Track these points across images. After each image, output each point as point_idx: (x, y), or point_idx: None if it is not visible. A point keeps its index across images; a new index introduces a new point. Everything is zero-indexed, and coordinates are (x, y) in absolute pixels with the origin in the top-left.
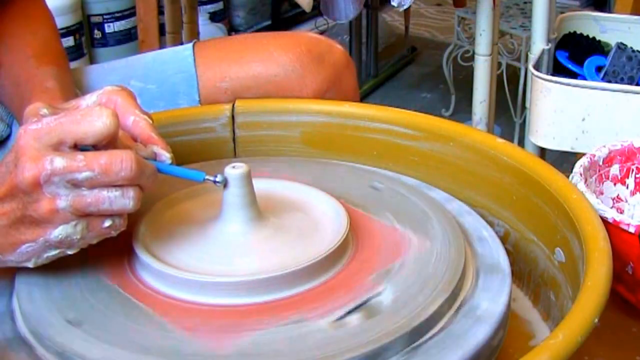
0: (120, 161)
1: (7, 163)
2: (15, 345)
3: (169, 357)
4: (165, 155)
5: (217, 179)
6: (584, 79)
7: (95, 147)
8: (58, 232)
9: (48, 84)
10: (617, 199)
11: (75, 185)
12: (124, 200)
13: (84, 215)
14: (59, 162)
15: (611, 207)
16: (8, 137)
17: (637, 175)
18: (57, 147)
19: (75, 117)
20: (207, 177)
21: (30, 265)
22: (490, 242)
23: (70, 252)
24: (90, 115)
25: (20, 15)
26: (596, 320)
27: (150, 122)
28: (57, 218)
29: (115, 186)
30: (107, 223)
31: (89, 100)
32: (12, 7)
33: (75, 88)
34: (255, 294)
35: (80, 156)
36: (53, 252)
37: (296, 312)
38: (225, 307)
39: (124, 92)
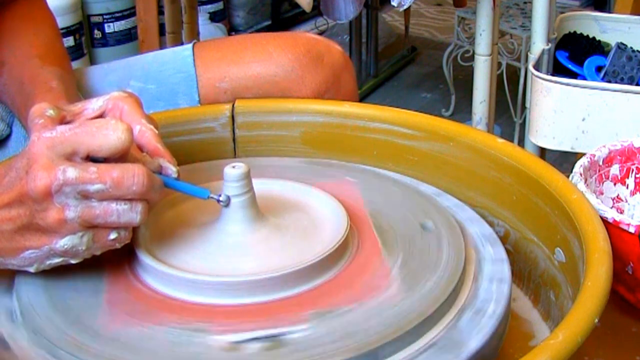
0: (132, 176)
1: (18, 168)
2: (12, 343)
3: (161, 356)
4: (172, 169)
5: (221, 198)
6: (584, 79)
7: (106, 159)
8: (64, 242)
9: (52, 84)
10: (617, 199)
11: (86, 196)
12: (132, 214)
13: (91, 226)
14: (71, 172)
15: (611, 207)
16: (8, 136)
17: (637, 175)
18: (70, 157)
19: (90, 128)
20: (211, 195)
21: (31, 270)
22: (492, 250)
23: (73, 262)
24: (106, 128)
25: (23, 15)
26: (596, 320)
27: (156, 132)
28: (64, 228)
29: (124, 199)
30: (113, 235)
31: (95, 104)
32: (15, 8)
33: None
34: (255, 294)
35: (92, 168)
36: (56, 260)
37: (294, 313)
38: (223, 306)
39: (130, 98)
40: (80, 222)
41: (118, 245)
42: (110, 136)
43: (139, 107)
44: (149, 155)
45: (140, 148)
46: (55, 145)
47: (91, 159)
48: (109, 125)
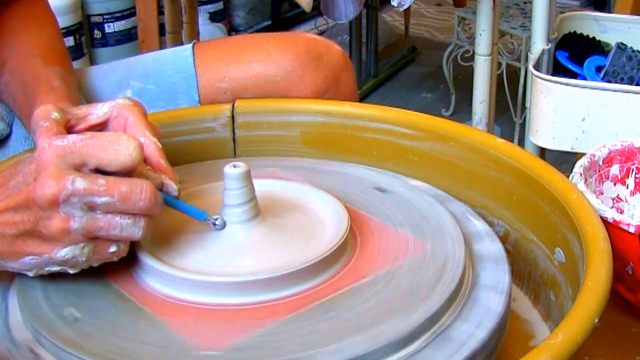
0: (140, 192)
1: (25, 174)
2: (8, 335)
3: (160, 357)
4: (173, 187)
5: (217, 222)
6: (584, 79)
7: (113, 172)
8: (65, 252)
9: (54, 83)
10: (617, 199)
11: (91, 208)
12: (134, 228)
13: (93, 238)
14: (80, 183)
15: (611, 207)
16: (8, 136)
17: (637, 175)
18: (79, 167)
19: (102, 142)
20: (208, 217)
21: (30, 274)
22: (493, 252)
23: (71, 272)
24: (118, 143)
25: (25, 15)
26: (596, 320)
27: (159, 145)
28: (67, 238)
29: (128, 214)
30: (113, 248)
31: (100, 110)
32: (17, 8)
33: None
34: (254, 294)
35: (101, 180)
36: (54, 268)
37: (288, 315)
38: (222, 306)
39: (135, 108)
40: (83, 233)
41: (115, 259)
42: (121, 152)
43: (143, 117)
44: (152, 168)
45: (143, 160)
46: (66, 155)
47: (98, 171)
48: (121, 141)
